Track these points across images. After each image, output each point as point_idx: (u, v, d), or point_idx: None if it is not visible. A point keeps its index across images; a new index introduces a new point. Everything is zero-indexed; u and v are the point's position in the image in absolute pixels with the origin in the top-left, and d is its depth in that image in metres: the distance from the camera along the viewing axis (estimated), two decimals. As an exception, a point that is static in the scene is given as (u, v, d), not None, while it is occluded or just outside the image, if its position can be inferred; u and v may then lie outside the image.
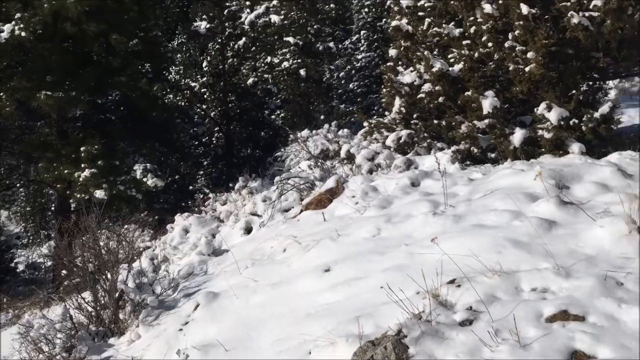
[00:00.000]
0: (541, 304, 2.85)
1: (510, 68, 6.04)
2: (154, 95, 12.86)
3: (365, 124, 8.57)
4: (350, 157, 7.63)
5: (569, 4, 5.53)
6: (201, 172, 17.95)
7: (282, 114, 19.42)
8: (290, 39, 18.47)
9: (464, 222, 4.21)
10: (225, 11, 17.65)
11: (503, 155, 6.22)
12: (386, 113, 8.63)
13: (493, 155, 6.39)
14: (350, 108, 21.83)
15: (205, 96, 18.42)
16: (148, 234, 9.54)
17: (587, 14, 5.43)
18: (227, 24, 17.78)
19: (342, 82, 23.98)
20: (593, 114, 5.69)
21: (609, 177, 4.42)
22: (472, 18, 6.35)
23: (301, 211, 6.19)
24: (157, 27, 15.29)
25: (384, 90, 7.91)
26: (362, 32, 24.03)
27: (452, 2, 6.50)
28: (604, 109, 5.67)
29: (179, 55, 22.72)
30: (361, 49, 24.05)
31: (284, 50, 19.06)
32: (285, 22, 18.75)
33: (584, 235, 3.51)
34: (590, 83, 6.98)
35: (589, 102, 6.34)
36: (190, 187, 16.83)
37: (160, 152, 14.17)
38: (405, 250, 4.07)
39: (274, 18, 17.97)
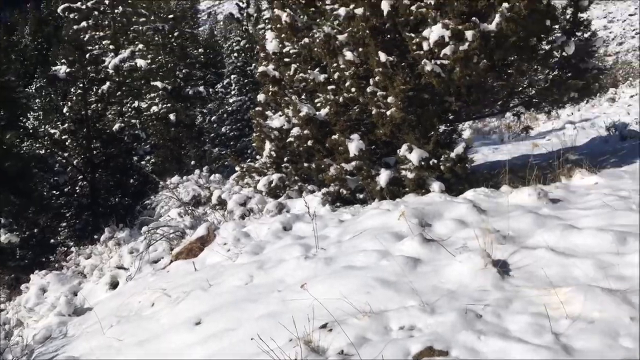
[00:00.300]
0: (408, 342, 2.91)
1: (373, 112, 6.29)
2: (8, 144, 11.93)
3: (238, 168, 8.52)
4: (222, 203, 7.51)
5: (422, 52, 5.90)
6: (64, 224, 16.76)
7: (152, 160, 18.83)
8: (158, 84, 18.09)
9: (334, 265, 4.26)
10: (87, 55, 16.95)
11: (371, 195, 6.42)
12: (258, 157, 8.65)
13: (362, 196, 6.59)
14: (224, 152, 21.68)
15: (67, 143, 17.38)
16: (3, 295, 8.69)
17: (438, 61, 5.82)
18: (89, 68, 17.04)
19: (215, 125, 23.83)
20: (449, 154, 6.06)
21: (466, 213, 4.71)
22: (335, 64, 6.58)
23: (171, 261, 5.95)
24: (10, 71, 14.31)
25: (254, 134, 7.93)
26: (233, 76, 24.15)
27: (316, 49, 6.70)
28: (459, 149, 6.06)
29: (37, 101, 21.39)
30: (232, 92, 24.13)
31: (152, 95, 18.61)
32: (153, 66, 18.36)
33: (445, 271, 3.68)
34: (447, 125, 7.45)
35: (446, 143, 6.74)
36: (52, 241, 15.62)
37: (15, 204, 13.07)
38: (278, 297, 4.01)
39: (140, 62, 17.52)
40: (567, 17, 6.96)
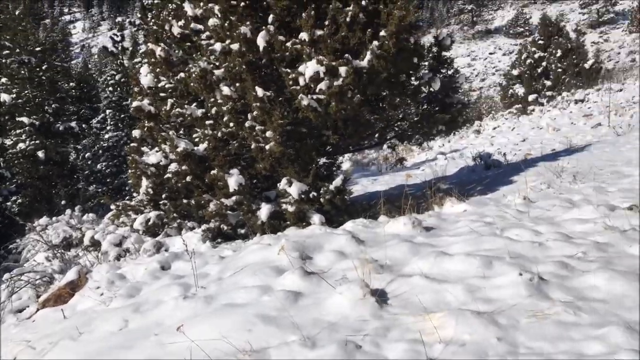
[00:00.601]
0: (290, 379, 2.87)
1: (253, 146, 6.28)
2: None
3: (113, 206, 8.12)
4: (96, 244, 7.10)
5: (298, 87, 6.01)
6: None
7: (19, 200, 17.51)
8: (25, 119, 16.98)
9: (215, 303, 4.13)
10: (-57, 88, 15.61)
11: (252, 230, 6.37)
12: (135, 194, 8.32)
13: (243, 231, 6.51)
14: (100, 189, 20.69)
15: None
16: None
17: (315, 96, 5.96)
18: (-56, 103, 15.69)
19: (90, 162, 22.72)
20: (329, 187, 6.17)
21: (345, 244, 4.78)
22: (212, 99, 6.52)
23: (37, 310, 5.49)
24: None
25: (130, 171, 7.63)
26: (109, 111, 23.26)
27: (192, 84, 6.60)
28: (337, 181, 6.19)
29: None
30: (108, 128, 23.21)
31: (18, 131, 17.41)
32: (19, 101, 17.22)
33: (326, 303, 3.69)
34: (327, 157, 7.60)
35: (325, 175, 6.87)
36: None
37: None
38: (155, 341, 3.81)
39: (4, 97, 16.38)
40: (433, 55, 7.44)
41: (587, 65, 28.45)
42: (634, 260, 3.61)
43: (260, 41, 6.06)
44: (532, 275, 3.45)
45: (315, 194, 6.14)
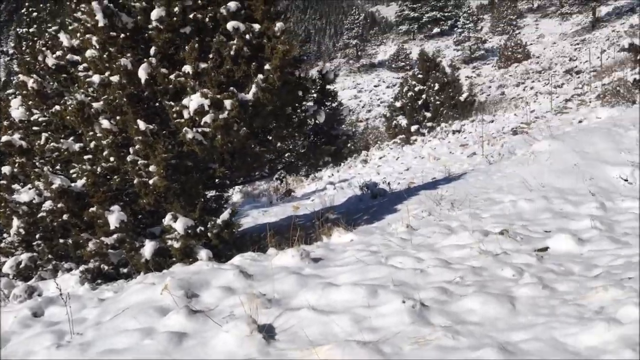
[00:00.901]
0: None
1: (136, 181, 6.05)
2: None
3: (-20, 250, 7.46)
4: (-42, 292, 6.46)
5: (183, 120, 5.90)
6: None
7: None
8: None
9: (92, 350, 3.87)
10: None
11: (136, 269, 6.09)
12: (5, 235, 7.71)
13: (126, 270, 6.22)
14: (-33, 231, 18.97)
15: None
16: None
17: (200, 129, 5.86)
18: None
19: (-45, 201, 20.82)
20: (216, 221, 6.06)
21: (233, 279, 4.69)
22: (91, 133, 6.23)
23: None
24: None
25: (-1, 210, 7.07)
26: (-23, 145, 21.56)
27: (68, 117, 6.28)
28: (225, 215, 6.10)
29: None
30: (-23, 163, 21.48)
31: None
32: None
33: (212, 343, 3.57)
34: (217, 190, 7.48)
35: (213, 209, 6.74)
36: None
37: None
38: (24, 397, 3.51)
39: None
40: (318, 88, 7.61)
41: (462, 98, 30.43)
42: (505, 283, 3.83)
43: (142, 73, 5.90)
44: (415, 302, 3.56)
45: (202, 228, 6.01)
